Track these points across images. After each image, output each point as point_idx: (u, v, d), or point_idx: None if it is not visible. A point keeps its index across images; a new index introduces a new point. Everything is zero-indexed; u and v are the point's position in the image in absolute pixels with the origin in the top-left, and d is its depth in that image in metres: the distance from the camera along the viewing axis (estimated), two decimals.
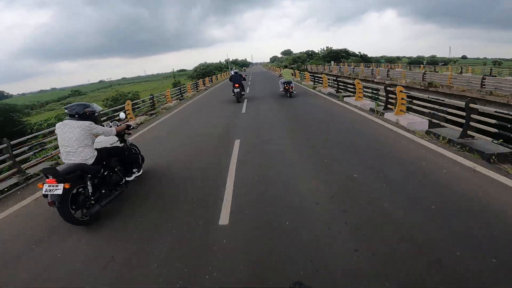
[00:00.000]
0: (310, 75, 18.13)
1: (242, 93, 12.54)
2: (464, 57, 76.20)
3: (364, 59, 64.10)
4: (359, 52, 71.01)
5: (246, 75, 16.01)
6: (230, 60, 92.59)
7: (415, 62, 64.07)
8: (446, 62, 60.60)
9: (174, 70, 42.90)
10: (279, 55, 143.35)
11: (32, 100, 70.35)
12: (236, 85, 11.99)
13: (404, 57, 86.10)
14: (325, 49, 73.30)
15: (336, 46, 71.38)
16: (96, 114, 3.44)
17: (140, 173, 4.14)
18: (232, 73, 12.54)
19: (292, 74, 13.22)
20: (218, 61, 71.80)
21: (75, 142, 3.07)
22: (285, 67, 14.22)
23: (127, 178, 3.81)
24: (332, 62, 54.32)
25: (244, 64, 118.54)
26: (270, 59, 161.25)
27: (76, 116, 3.21)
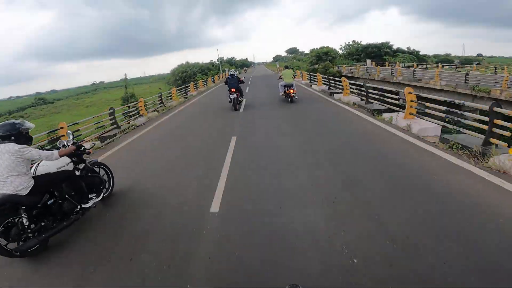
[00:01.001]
0: (361, 90, 9.63)
1: (240, 99, 11.61)
2: (480, 55, 69.53)
3: (417, 57, 48.92)
4: (408, 48, 52.42)
5: (244, 78, 14.44)
6: (225, 58, 79.01)
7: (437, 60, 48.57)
8: (479, 61, 48.56)
9: (126, 77, 30.96)
10: (283, 54, 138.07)
11: None
12: (232, 89, 10.98)
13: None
14: (349, 43, 55.42)
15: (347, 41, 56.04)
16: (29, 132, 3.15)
17: (99, 198, 3.75)
18: (229, 76, 11.53)
19: (293, 75, 11.90)
20: (209, 61, 59.93)
21: (4, 170, 2.77)
22: (286, 67, 12.67)
23: (83, 205, 3.48)
24: (369, 61, 42.19)
25: (244, 64, 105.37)
26: (273, 58, 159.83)
27: (12, 138, 2.88)
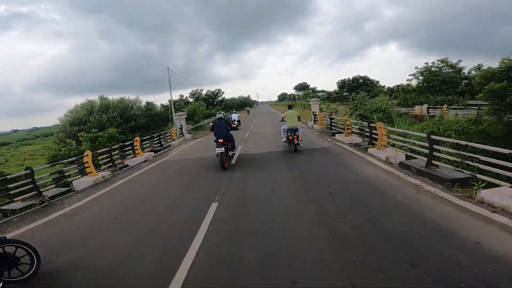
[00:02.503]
0: None
1: (231, 153, 9.34)
2: None
3: None
4: None
5: (238, 119, 10.56)
6: (204, 93, 56.13)
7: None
8: None
9: None
10: (290, 92, 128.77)
11: None
12: (219, 140, 8.56)
13: None
14: (421, 70, 35.92)
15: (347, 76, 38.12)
16: None
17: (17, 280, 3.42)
18: (216, 121, 9.46)
19: (298, 117, 10.44)
20: (181, 97, 44.69)
21: None
22: (290, 107, 11.09)
23: None
24: None
25: (244, 103, 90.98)
26: (279, 96, 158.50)
27: None
